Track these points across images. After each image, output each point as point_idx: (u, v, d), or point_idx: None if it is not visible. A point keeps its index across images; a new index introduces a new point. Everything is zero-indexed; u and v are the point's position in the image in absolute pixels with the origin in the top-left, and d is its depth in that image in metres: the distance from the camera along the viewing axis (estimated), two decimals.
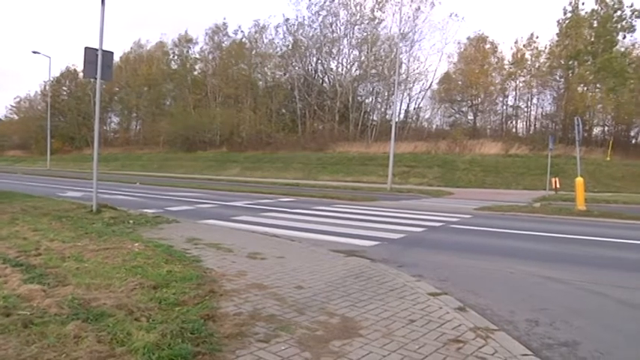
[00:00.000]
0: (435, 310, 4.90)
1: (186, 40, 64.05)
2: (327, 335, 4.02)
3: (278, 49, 56.69)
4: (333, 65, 54.93)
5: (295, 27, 54.19)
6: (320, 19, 52.57)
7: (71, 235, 8.08)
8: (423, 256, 8.29)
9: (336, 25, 52.59)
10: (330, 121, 51.51)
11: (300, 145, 49.10)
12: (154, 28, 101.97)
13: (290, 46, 54.80)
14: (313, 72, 55.85)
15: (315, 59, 55.54)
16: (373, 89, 53.77)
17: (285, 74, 56.51)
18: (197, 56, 64.01)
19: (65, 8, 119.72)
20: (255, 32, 57.16)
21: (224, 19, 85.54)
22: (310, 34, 53.68)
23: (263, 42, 57.54)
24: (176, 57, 66.12)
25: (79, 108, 70.30)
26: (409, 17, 49.10)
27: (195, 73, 63.79)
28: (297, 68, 54.98)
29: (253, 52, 57.50)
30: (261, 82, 58.45)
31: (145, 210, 13.20)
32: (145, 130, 67.23)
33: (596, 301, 5.96)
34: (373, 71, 51.98)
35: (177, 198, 19.00)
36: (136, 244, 7.28)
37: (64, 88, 76.53)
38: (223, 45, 60.65)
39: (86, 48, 11.51)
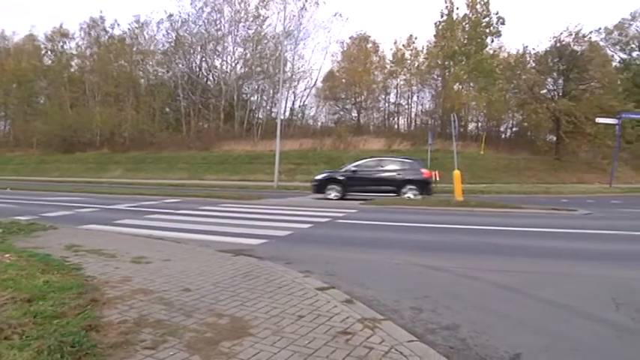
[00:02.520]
0: (323, 304, 5.00)
1: (61, 35, 60.14)
2: (217, 337, 3.99)
3: (160, 45, 54.97)
4: (217, 63, 54.21)
5: (178, 23, 52.83)
6: (204, 15, 51.66)
7: None
8: (310, 252, 8.41)
9: (221, 22, 51.96)
10: (215, 119, 50.81)
11: (185, 145, 47.94)
12: (20, 17, 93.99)
13: (173, 43, 53.27)
14: (197, 70, 54.78)
15: (199, 57, 54.52)
16: (259, 87, 53.77)
17: (168, 72, 54.87)
18: (74, 52, 60.48)
19: None
20: (136, 28, 55.01)
21: (100, 12, 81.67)
22: (194, 31, 52.56)
23: (144, 38, 55.51)
24: (49, 52, 62.02)
25: None
26: (294, 15, 49.64)
27: (72, 69, 60.18)
28: (180, 66, 53.62)
29: (134, 49, 55.27)
30: (143, 80, 56.41)
31: (18, 217, 12.26)
32: (16, 131, 62.03)
33: (474, 285, 6.37)
34: (258, 69, 51.89)
35: (54, 203, 17.90)
36: (7, 255, 6.74)
37: None
38: (101, 40, 57.83)
39: None
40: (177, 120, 53.09)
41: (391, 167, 20.61)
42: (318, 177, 21.51)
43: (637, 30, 63.12)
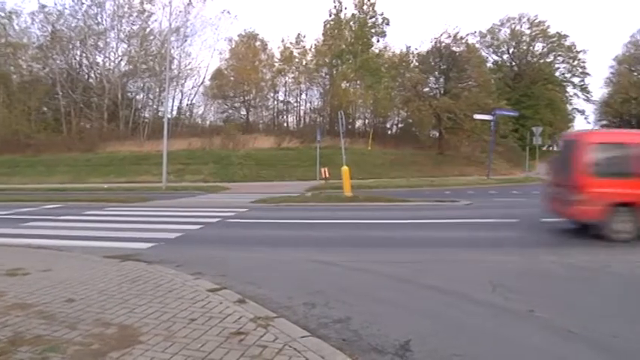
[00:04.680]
0: (215, 305, 4.95)
1: None
2: (104, 348, 3.82)
3: (35, 39, 51.22)
4: (99, 59, 51.28)
5: (55, 16, 49.51)
6: (83, 8, 48.82)
7: None
8: (201, 254, 8.28)
9: (102, 16, 49.36)
10: (98, 119, 48.27)
11: (65, 146, 45.03)
12: None
13: (49, 37, 49.86)
14: (78, 66, 51.61)
15: (79, 52, 51.42)
16: (144, 85, 51.78)
17: (44, 68, 51.13)
18: None
19: None
20: (3, 18, 50.75)
21: None
22: (73, 25, 49.47)
23: (14, 30, 51.45)
24: None
25: None
26: (180, 11, 48.29)
27: None
28: (58, 62, 50.13)
29: (2, 41, 51.08)
30: (15, 76, 52.31)
31: None
32: None
33: (365, 278, 6.57)
34: (144, 67, 49.96)
35: None
36: None
37: None
38: None
39: None
40: (57, 120, 49.73)
41: None
42: None
43: (506, 35, 67.97)
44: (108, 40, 49.87)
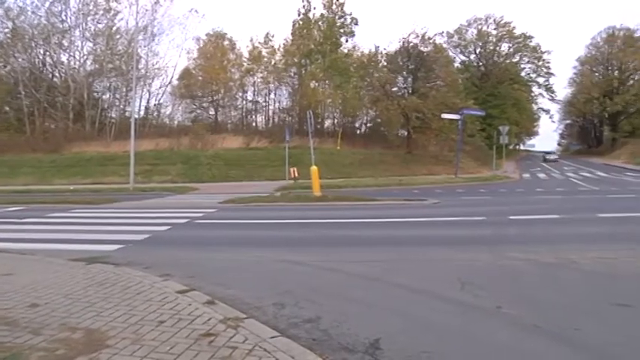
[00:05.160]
0: (184, 307, 4.89)
1: None
2: (70, 353, 3.73)
3: None
4: (64, 58, 50.37)
5: (15, 12, 48.30)
6: (47, 5, 47.75)
7: None
8: (169, 255, 8.19)
9: (66, 14, 48.41)
10: (63, 119, 47.33)
11: (29, 147, 43.99)
12: None
13: (9, 34, 48.61)
14: (41, 65, 50.50)
15: (42, 51, 50.34)
16: (111, 85, 51.08)
17: (5, 66, 49.93)
18: None
19: None
20: None
21: None
22: (35, 22, 48.33)
23: None
24: None
25: None
26: (147, 10, 47.80)
27: None
28: (20, 60, 48.98)
29: None
30: None
31: None
32: None
33: (334, 277, 6.57)
34: (110, 66, 49.23)
35: None
36: None
37: None
38: None
39: None
40: (20, 120, 48.50)
41: None
42: None
43: (473, 35, 69.16)
44: (73, 38, 49.01)
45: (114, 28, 49.26)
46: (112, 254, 8.19)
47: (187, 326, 4.33)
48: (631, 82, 64.74)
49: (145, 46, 49.19)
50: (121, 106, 51.77)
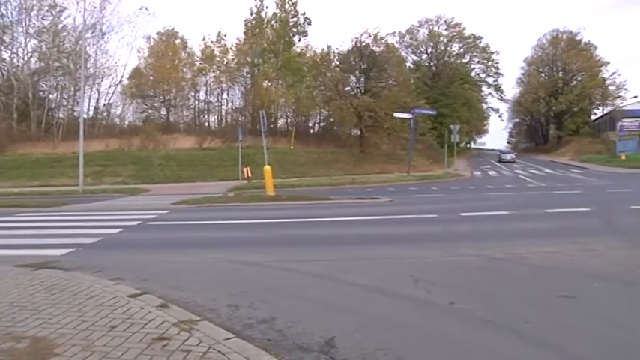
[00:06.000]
0: (136, 311, 4.80)
1: None
2: None
3: None
4: (6, 55, 48.50)
5: None
6: None
7: None
8: (121, 258, 8.03)
9: (7, 8, 46.54)
10: (7, 119, 45.58)
11: None
12: None
13: None
14: None
15: None
16: (58, 84, 49.50)
17: None
18: None
19: None
20: None
21: None
22: None
23: None
24: None
25: None
26: (95, 8, 46.55)
27: None
28: None
29: None
30: None
31: None
32: None
33: (289, 277, 6.57)
34: (57, 64, 47.69)
35: None
36: None
37: None
38: None
39: None
40: None
41: None
42: None
43: (424, 36, 70.35)
44: (15, 34, 47.06)
45: (60, 25, 47.73)
46: (61, 259, 7.95)
47: (140, 330, 4.26)
48: (574, 82, 66.87)
49: (93, 45, 47.99)
50: (69, 106, 50.25)
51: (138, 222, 12.66)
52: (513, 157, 57.22)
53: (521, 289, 5.74)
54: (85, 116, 38.97)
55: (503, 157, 57.01)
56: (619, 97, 62.92)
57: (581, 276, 6.24)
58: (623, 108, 59.67)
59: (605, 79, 64.50)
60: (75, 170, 29.44)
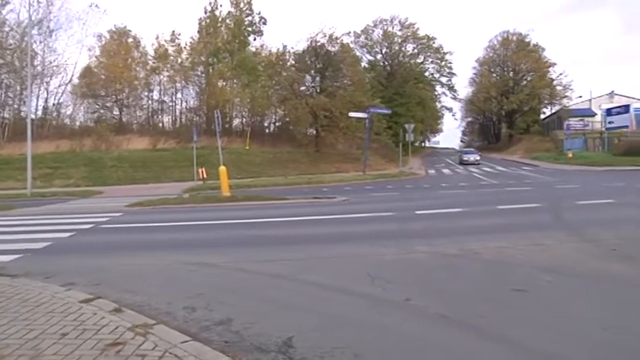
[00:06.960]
0: (89, 317, 4.68)
1: None
2: None
3: None
4: None
5: None
6: None
7: None
8: (73, 263, 7.81)
9: None
10: None
11: None
12: None
13: None
14: None
15: None
16: (2, 82, 47.83)
17: None
18: None
19: None
20: None
21: None
22: None
23: None
24: None
25: None
26: (41, 3, 45.17)
27: None
28: None
29: None
30: None
31: None
32: None
33: (245, 278, 6.54)
34: (0, 61, 46.16)
35: None
36: None
37: None
38: None
39: None
40: None
41: None
42: None
43: (379, 36, 71.05)
44: None
45: (2, 20, 46.02)
46: (8, 265, 7.67)
47: (93, 337, 4.15)
48: (524, 82, 68.55)
49: (40, 42, 46.62)
50: (15, 106, 48.60)
51: (90, 225, 12.35)
52: (477, 157, 48.56)
53: (474, 284, 5.85)
54: (33, 116, 37.90)
55: (465, 159, 48.80)
56: (566, 97, 64.93)
57: (533, 270, 6.40)
58: (570, 107, 61.77)
59: (552, 80, 66.36)
60: (23, 173, 28.56)
